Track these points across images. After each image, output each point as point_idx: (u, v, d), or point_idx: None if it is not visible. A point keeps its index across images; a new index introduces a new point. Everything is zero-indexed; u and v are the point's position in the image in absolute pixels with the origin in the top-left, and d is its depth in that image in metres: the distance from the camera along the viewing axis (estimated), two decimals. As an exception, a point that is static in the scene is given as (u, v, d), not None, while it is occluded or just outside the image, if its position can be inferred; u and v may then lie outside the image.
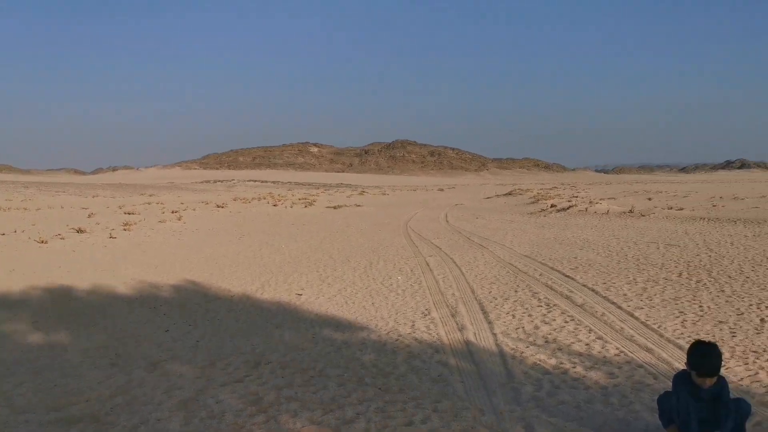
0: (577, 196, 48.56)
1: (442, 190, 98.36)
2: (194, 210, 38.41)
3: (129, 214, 34.06)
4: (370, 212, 40.09)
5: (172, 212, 35.58)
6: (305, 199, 54.36)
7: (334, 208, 43.71)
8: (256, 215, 36.65)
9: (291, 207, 43.84)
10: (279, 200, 51.28)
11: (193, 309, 11.49)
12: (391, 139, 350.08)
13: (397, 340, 8.63)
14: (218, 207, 41.78)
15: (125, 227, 25.56)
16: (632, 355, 7.40)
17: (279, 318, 10.50)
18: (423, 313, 10.29)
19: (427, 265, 15.58)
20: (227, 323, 10.27)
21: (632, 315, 9.35)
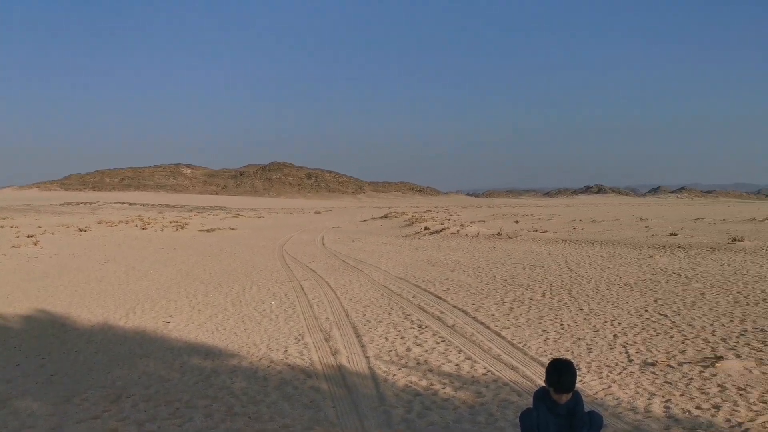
0: (449, 219, 50.11)
1: (319, 212, 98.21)
2: (53, 234, 35.92)
3: (-23, 238, 31.32)
4: (244, 235, 39.28)
5: (28, 236, 33.06)
6: (176, 222, 52.43)
7: (207, 231, 42.48)
8: (123, 239, 34.87)
9: (161, 230, 42.12)
10: (148, 223, 49.11)
11: (47, 341, 10.70)
12: (268, 161, 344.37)
13: (269, 366, 8.45)
14: (80, 230, 39.32)
15: (-28, 253, 23.48)
16: (499, 374, 7.66)
17: (144, 347, 10.00)
18: (296, 338, 10.16)
19: (302, 289, 15.44)
20: (86, 355, 9.64)
21: (499, 335, 9.71)
